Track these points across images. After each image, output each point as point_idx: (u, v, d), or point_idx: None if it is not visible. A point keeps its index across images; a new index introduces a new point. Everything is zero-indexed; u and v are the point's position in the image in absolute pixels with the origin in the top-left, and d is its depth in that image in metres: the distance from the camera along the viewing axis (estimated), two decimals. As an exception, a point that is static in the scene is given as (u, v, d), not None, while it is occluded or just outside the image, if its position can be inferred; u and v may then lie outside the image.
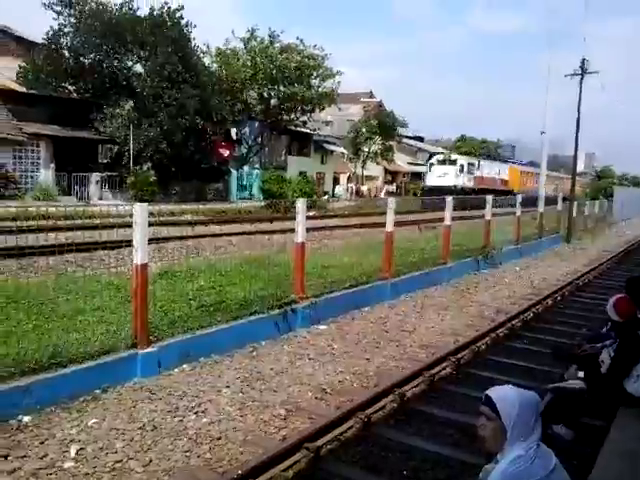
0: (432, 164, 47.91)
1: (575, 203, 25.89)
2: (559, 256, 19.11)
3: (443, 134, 79.39)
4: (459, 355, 7.20)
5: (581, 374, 5.25)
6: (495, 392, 2.58)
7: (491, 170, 51.80)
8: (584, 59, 24.20)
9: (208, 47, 37.68)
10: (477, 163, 49.13)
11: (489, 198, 15.95)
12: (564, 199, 25.35)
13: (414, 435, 5.20)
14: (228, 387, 6.07)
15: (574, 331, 8.84)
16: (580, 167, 67.04)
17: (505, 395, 2.55)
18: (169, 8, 30.99)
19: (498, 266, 15.32)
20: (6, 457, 4.39)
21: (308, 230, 9.11)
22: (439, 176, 44.93)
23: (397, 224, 11.60)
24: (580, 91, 23.94)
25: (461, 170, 45.46)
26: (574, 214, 25.12)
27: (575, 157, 26.17)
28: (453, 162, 46.28)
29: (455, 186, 42.12)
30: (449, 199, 13.64)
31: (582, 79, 24.06)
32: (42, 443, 4.66)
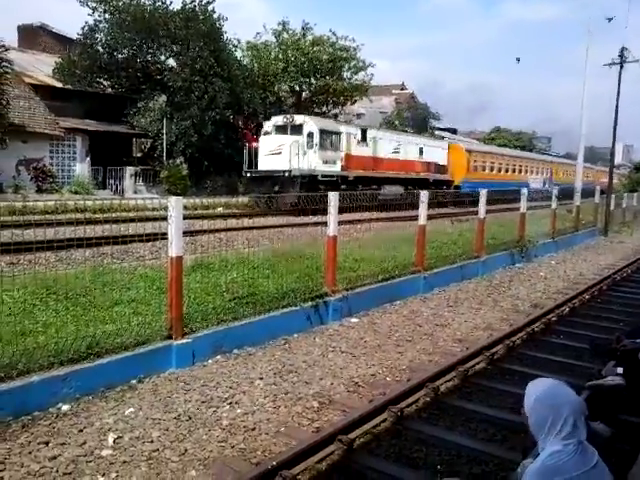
0: (266, 133, 26.42)
1: (612, 196, 25.30)
2: (596, 249, 18.72)
3: (477, 126, 77.99)
4: (493, 350, 7.12)
5: (620, 370, 5.13)
6: (531, 385, 2.58)
7: (403, 147, 31.46)
8: (623, 48, 23.58)
9: (239, 41, 37.84)
10: (356, 133, 28.09)
11: (524, 191, 15.66)
12: (601, 192, 24.77)
13: (448, 429, 5.15)
14: (261, 379, 6.11)
15: (613, 326, 8.62)
16: (618, 159, 65.01)
17: (529, 389, 2.56)
18: (200, 1, 31.18)
19: (533, 260, 15.08)
20: (47, 444, 4.50)
21: (340, 223, 9.08)
22: (268, 154, 24.65)
23: (430, 217, 11.48)
24: (619, 81, 23.36)
25: (310, 143, 24.90)
26: (612, 207, 24.55)
27: (613, 149, 25.54)
28: (297, 128, 25.39)
29: (289, 172, 23.45)
30: (483, 192, 13.43)
31: (621, 68, 23.46)
32: (81, 431, 4.76)
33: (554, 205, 17.91)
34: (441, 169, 34.66)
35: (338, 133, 26.71)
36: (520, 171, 44.83)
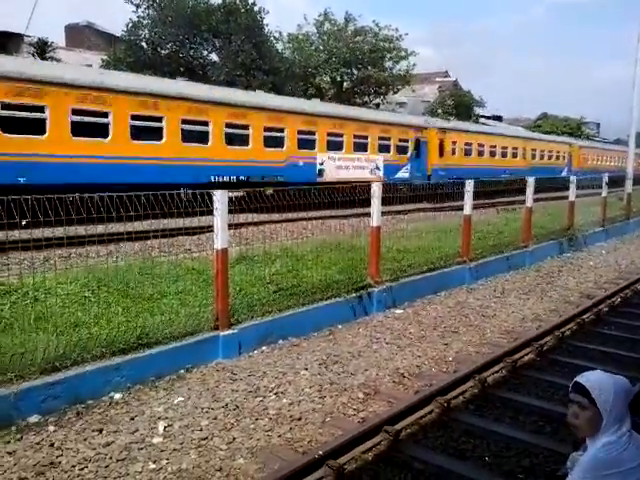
0: None
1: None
2: (649, 238, 18.08)
3: (523, 113, 75.95)
4: (542, 341, 6.98)
5: None
6: (587, 379, 2.46)
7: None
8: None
9: (281, 33, 37.94)
10: None
11: (573, 178, 15.22)
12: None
13: (495, 421, 5.09)
14: (306, 369, 6.15)
15: (667, 317, 8.36)
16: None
17: (600, 381, 2.43)
18: (241, -5, 31.40)
19: (583, 249, 14.68)
20: (100, 431, 4.65)
21: (383, 214, 9.03)
22: None
23: (475, 207, 11.31)
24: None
25: None
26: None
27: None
28: None
29: None
30: (531, 180, 13.11)
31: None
32: (132, 419, 4.90)
33: (604, 193, 17.37)
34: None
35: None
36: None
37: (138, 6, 30.59)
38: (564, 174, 38.08)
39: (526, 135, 42.51)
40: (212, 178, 18.56)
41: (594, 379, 2.46)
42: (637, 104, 23.84)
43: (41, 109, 14.66)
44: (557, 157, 42.11)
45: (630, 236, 18.17)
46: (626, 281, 10.65)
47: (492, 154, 34.22)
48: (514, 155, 36.51)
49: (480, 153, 33.08)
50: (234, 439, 4.63)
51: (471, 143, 32.20)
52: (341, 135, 23.85)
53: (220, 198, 6.32)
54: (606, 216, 17.30)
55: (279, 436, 4.71)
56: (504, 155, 35.42)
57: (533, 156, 38.71)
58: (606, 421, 2.37)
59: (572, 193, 15.00)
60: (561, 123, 66.59)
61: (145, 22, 30.87)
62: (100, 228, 6.78)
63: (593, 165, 46.38)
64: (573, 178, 15.25)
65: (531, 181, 13.01)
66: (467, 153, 31.84)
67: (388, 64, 39.54)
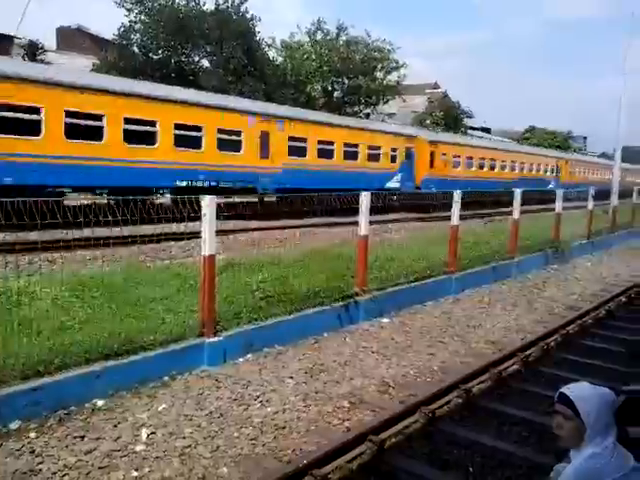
0: None
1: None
2: (633, 251, 18.24)
3: (513, 126, 76.56)
4: (527, 352, 7.01)
5: None
6: (572, 390, 2.48)
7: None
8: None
9: (273, 40, 38.01)
10: None
11: (560, 193, 15.35)
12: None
13: (480, 432, 5.09)
14: (292, 378, 6.13)
15: (650, 330, 8.43)
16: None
17: (583, 393, 2.45)
18: (233, 2, 31.41)
19: (568, 261, 14.79)
20: (82, 438, 4.60)
21: (371, 223, 9.05)
22: None
23: (462, 218, 11.35)
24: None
25: None
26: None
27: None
28: None
29: None
30: (517, 191, 13.21)
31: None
32: (115, 426, 4.85)
33: (590, 206, 17.53)
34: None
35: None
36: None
37: (130, 10, 30.51)
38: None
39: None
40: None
41: (578, 390, 2.48)
42: (624, 119, 24.15)
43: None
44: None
45: (615, 248, 18.34)
46: (611, 293, 10.74)
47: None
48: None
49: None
50: (218, 447, 4.59)
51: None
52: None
53: (208, 204, 6.30)
54: (592, 229, 17.46)
55: (263, 445, 4.69)
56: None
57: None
58: (590, 432, 2.39)
59: (558, 205, 15.12)
60: (549, 136, 67.26)
61: (137, 27, 30.77)
62: (86, 232, 6.74)
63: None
64: (560, 192, 15.38)
65: (518, 193, 13.10)
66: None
67: (379, 74, 39.75)
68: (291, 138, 21.94)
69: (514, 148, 43.68)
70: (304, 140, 22.59)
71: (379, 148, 26.75)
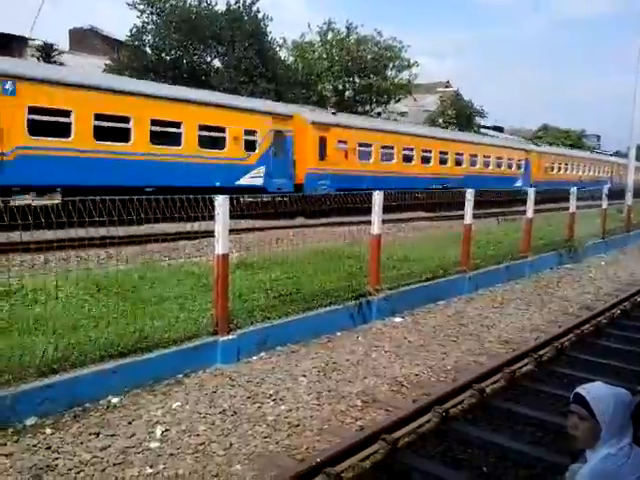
0: None
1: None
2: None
3: (525, 124, 76.05)
4: (541, 352, 6.97)
5: None
6: (587, 390, 2.46)
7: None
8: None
9: (285, 40, 38.10)
10: None
11: (573, 190, 15.22)
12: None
13: (494, 431, 5.08)
14: (305, 376, 6.14)
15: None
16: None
17: (599, 393, 2.43)
18: (245, 2, 31.50)
19: (582, 260, 14.68)
20: (97, 434, 4.64)
21: (384, 222, 9.03)
22: None
23: (476, 217, 11.32)
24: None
25: None
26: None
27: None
28: None
29: None
30: (531, 190, 13.10)
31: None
32: (130, 423, 4.88)
33: (604, 205, 17.39)
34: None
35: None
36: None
37: (142, 12, 30.71)
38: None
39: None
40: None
41: (594, 390, 2.46)
42: (637, 117, 23.90)
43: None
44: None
45: (630, 248, 18.17)
46: (625, 293, 10.64)
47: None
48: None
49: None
50: (231, 445, 4.61)
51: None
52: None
53: (221, 203, 6.33)
54: (606, 228, 17.31)
55: (277, 443, 4.70)
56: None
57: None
58: (605, 433, 2.37)
59: (573, 204, 14.99)
60: (562, 135, 66.80)
61: (149, 27, 30.97)
62: (101, 231, 6.78)
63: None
64: (574, 189, 15.22)
65: (531, 192, 13.03)
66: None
67: (390, 73, 39.72)
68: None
69: (460, 137, 34.40)
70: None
71: (222, 130, 19.49)
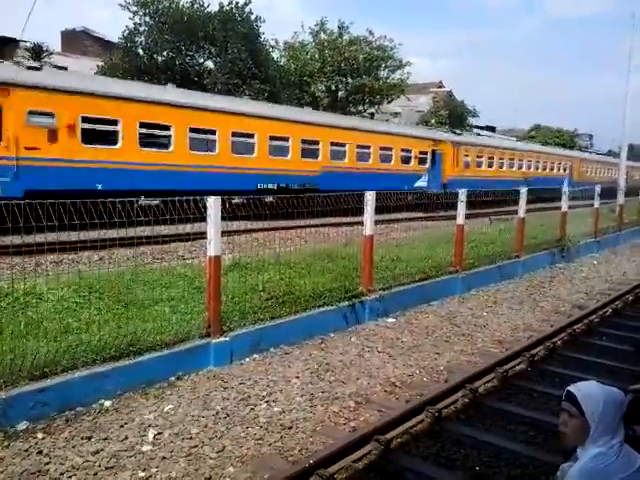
0: None
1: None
2: (640, 250, 18.17)
3: (517, 124, 76.20)
4: (533, 351, 6.99)
5: None
6: (578, 388, 2.47)
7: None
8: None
9: (277, 41, 38.04)
10: None
11: (565, 189, 15.28)
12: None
13: (486, 431, 5.09)
14: (298, 377, 6.13)
15: (658, 328, 8.39)
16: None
17: (589, 392, 2.44)
18: (237, 3, 31.45)
19: (574, 260, 14.74)
20: (89, 438, 4.62)
21: (377, 222, 9.04)
22: None
23: (469, 216, 11.34)
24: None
25: None
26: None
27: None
28: None
29: None
30: (523, 190, 13.18)
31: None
32: (122, 427, 4.86)
33: (596, 204, 17.46)
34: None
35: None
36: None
37: (135, 13, 30.61)
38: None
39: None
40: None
41: (585, 389, 2.47)
42: (629, 116, 24.05)
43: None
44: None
45: (622, 247, 18.25)
46: (617, 292, 10.69)
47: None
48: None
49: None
50: (224, 447, 4.60)
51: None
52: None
53: (213, 205, 6.31)
54: (598, 227, 17.38)
55: (270, 445, 4.69)
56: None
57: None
58: (594, 431, 2.38)
59: (564, 204, 15.05)
60: (554, 134, 67.01)
61: (141, 29, 30.86)
62: (92, 234, 6.76)
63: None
64: (565, 189, 15.29)
65: (524, 192, 13.06)
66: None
67: (383, 73, 39.71)
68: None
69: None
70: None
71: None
